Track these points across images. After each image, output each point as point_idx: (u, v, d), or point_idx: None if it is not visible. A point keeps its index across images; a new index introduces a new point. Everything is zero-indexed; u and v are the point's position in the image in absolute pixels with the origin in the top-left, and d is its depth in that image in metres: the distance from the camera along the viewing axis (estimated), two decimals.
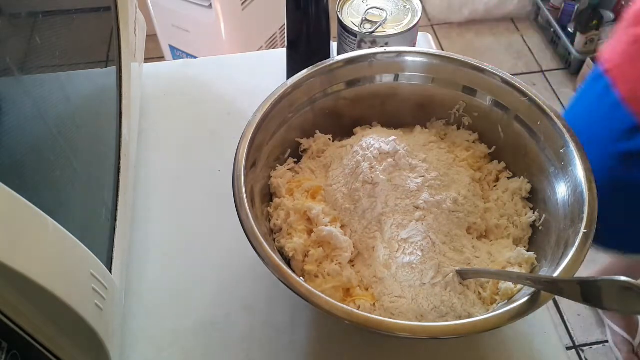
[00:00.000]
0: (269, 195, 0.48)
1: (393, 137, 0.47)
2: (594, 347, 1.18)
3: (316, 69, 0.48)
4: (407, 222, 0.43)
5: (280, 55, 0.67)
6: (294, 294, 0.35)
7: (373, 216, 0.43)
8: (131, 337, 0.44)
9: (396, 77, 0.51)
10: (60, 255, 0.30)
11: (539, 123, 0.45)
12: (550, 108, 0.44)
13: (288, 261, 0.44)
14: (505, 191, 0.47)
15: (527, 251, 0.44)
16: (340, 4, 0.58)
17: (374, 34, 0.55)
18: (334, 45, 0.61)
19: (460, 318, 0.40)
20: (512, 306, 0.34)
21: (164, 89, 0.65)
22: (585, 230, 0.37)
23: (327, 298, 0.35)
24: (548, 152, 0.44)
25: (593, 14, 1.60)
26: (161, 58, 1.66)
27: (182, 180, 0.56)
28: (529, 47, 1.86)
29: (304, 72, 0.48)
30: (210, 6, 1.33)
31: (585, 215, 0.38)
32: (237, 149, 0.43)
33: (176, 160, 0.58)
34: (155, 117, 0.62)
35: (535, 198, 0.47)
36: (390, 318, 0.38)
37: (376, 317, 0.34)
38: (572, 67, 1.72)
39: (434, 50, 0.55)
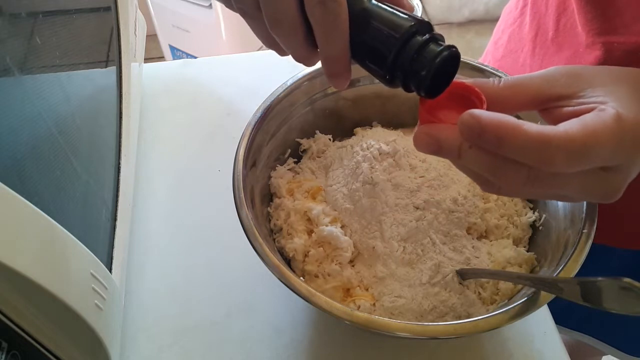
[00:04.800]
0: (269, 196, 0.48)
1: (393, 138, 0.47)
2: None
3: (316, 69, 0.48)
4: (407, 222, 0.43)
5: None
6: (294, 294, 0.35)
7: (373, 216, 0.43)
8: (131, 337, 0.44)
9: None
10: (60, 255, 0.30)
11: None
12: None
13: (288, 261, 0.44)
14: None
15: (527, 251, 0.44)
16: None
17: None
18: None
19: (460, 318, 0.40)
20: (512, 306, 0.34)
21: (164, 89, 0.65)
22: (585, 230, 0.37)
23: (327, 298, 0.35)
24: None
25: None
26: (161, 58, 1.66)
27: (182, 180, 0.56)
28: None
29: (304, 73, 0.48)
30: (210, 6, 1.33)
31: (585, 215, 0.38)
32: (237, 149, 0.43)
33: (176, 160, 0.58)
34: (155, 117, 0.62)
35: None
36: (390, 318, 0.38)
37: (376, 317, 0.34)
38: None
39: None
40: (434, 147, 0.29)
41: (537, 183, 0.28)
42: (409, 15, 0.29)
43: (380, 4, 0.29)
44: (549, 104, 0.31)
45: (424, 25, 0.28)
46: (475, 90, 0.30)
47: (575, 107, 0.30)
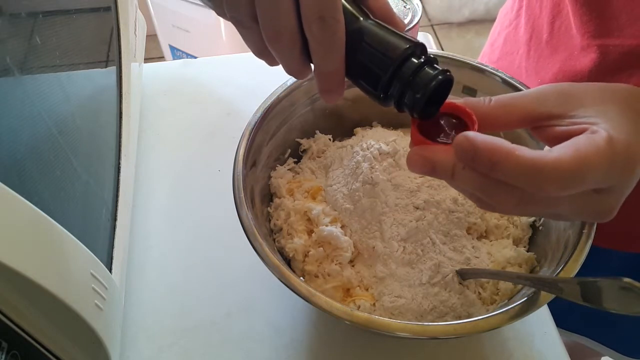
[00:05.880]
0: (269, 196, 0.48)
1: (393, 138, 0.47)
2: None
3: None
4: (407, 222, 0.43)
5: None
6: (294, 294, 0.35)
7: (373, 216, 0.43)
8: (131, 337, 0.44)
9: None
10: (60, 255, 0.30)
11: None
12: None
13: (288, 261, 0.44)
14: None
15: (527, 251, 0.44)
16: None
17: None
18: None
19: (460, 318, 0.40)
20: (512, 306, 0.34)
21: (164, 89, 0.65)
22: (585, 231, 0.37)
23: (327, 298, 0.35)
24: None
25: None
26: (161, 58, 1.66)
27: (182, 180, 0.56)
28: None
29: None
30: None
31: None
32: (237, 149, 0.43)
33: (176, 160, 0.58)
34: (155, 117, 0.62)
35: None
36: (390, 318, 0.38)
37: (376, 317, 0.34)
38: None
39: (434, 50, 0.55)
40: (428, 168, 0.29)
41: (530, 205, 0.28)
42: (404, 36, 0.29)
43: (376, 23, 0.29)
44: (540, 122, 0.31)
45: (419, 47, 0.29)
46: (467, 110, 0.30)
47: (568, 127, 0.30)
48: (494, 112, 0.31)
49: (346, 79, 0.31)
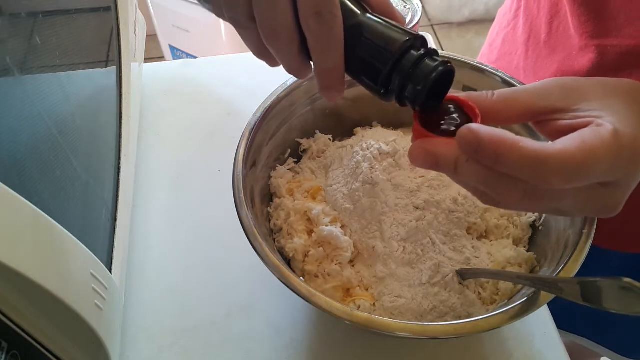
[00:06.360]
0: (269, 196, 0.48)
1: (393, 138, 0.47)
2: None
3: None
4: (407, 222, 0.43)
5: None
6: (294, 294, 0.35)
7: (373, 216, 0.43)
8: (131, 337, 0.44)
9: None
10: (60, 255, 0.30)
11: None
12: None
13: (288, 261, 0.44)
14: None
15: (527, 251, 0.44)
16: None
17: None
18: None
19: (460, 318, 0.40)
20: (512, 306, 0.34)
21: (164, 89, 0.65)
22: (585, 230, 0.37)
23: (327, 298, 0.35)
24: None
25: None
26: (161, 58, 1.66)
27: (182, 180, 0.56)
28: None
29: None
30: None
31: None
32: (237, 149, 0.43)
33: (176, 160, 0.58)
34: (155, 117, 0.62)
35: None
36: (390, 318, 0.38)
37: (376, 317, 0.34)
38: None
39: None
40: (431, 161, 0.29)
41: (534, 198, 0.28)
42: (403, 30, 0.28)
43: (375, 17, 0.29)
44: (542, 116, 0.31)
45: (418, 40, 0.28)
46: (470, 104, 0.30)
47: (571, 121, 0.30)
48: (497, 105, 0.31)
49: (347, 77, 0.31)
